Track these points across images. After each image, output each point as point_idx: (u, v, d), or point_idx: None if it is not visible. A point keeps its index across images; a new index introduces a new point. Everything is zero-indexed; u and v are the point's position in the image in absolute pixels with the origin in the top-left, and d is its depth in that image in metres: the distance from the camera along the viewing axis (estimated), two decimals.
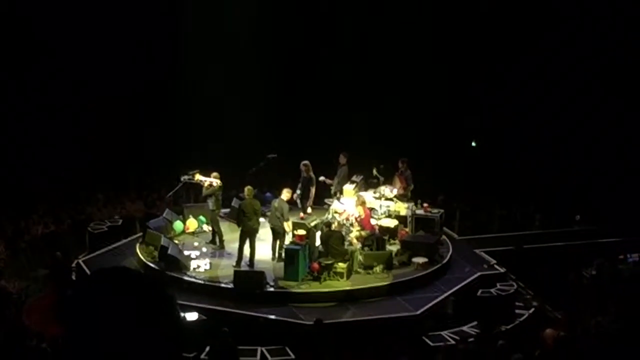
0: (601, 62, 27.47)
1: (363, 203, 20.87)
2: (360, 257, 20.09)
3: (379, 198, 21.97)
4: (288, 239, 20.12)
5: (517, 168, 26.93)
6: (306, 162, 22.12)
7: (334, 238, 19.72)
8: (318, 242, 20.09)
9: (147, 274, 2.60)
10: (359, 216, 20.67)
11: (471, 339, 17.42)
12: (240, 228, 20.09)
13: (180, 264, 19.88)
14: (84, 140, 27.64)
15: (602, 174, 25.50)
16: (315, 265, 19.50)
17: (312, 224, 20.34)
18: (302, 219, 20.81)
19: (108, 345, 2.43)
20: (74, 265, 21.14)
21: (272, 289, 19.14)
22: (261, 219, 20.55)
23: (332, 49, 29.04)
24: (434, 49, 27.75)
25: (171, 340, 2.52)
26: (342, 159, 22.72)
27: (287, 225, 20.17)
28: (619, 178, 25.34)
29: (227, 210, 22.91)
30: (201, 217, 22.65)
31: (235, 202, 22.95)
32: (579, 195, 25.51)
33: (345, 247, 19.97)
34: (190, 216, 22.80)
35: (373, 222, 21.12)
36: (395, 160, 22.90)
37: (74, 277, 20.26)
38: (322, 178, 22.62)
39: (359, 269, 19.98)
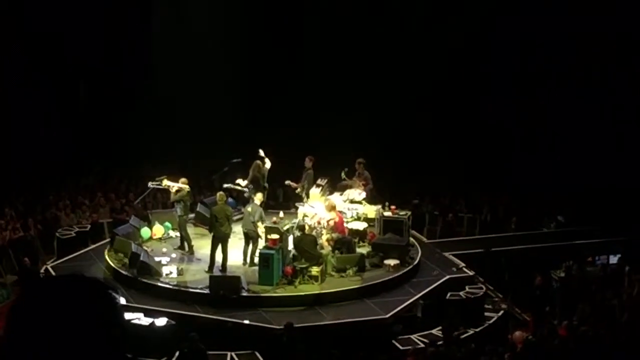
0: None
1: (334, 207, 20.87)
2: (332, 260, 20.12)
3: (346, 201, 22.00)
4: (261, 244, 20.03)
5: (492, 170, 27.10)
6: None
7: (307, 241, 19.71)
8: (291, 246, 20.09)
9: (99, 279, 2.66)
10: (332, 219, 20.65)
11: (440, 342, 17.48)
12: (212, 234, 20.06)
13: (152, 270, 19.79)
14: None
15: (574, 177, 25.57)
16: (289, 269, 19.47)
17: (285, 227, 20.30)
18: (275, 223, 20.76)
19: (46, 347, 2.49)
20: (42, 271, 21.02)
21: (246, 294, 19.09)
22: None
23: (300, 56, 29.07)
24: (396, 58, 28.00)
25: (111, 344, 2.57)
26: (308, 163, 22.70)
27: (260, 229, 20.14)
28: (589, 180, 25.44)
29: (192, 215, 22.82)
30: (167, 223, 22.49)
31: (200, 208, 22.90)
32: (550, 198, 25.68)
33: (318, 250, 20.00)
34: (156, 222, 22.62)
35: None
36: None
37: None
38: (287, 182, 22.66)
39: (332, 272, 20.02)
